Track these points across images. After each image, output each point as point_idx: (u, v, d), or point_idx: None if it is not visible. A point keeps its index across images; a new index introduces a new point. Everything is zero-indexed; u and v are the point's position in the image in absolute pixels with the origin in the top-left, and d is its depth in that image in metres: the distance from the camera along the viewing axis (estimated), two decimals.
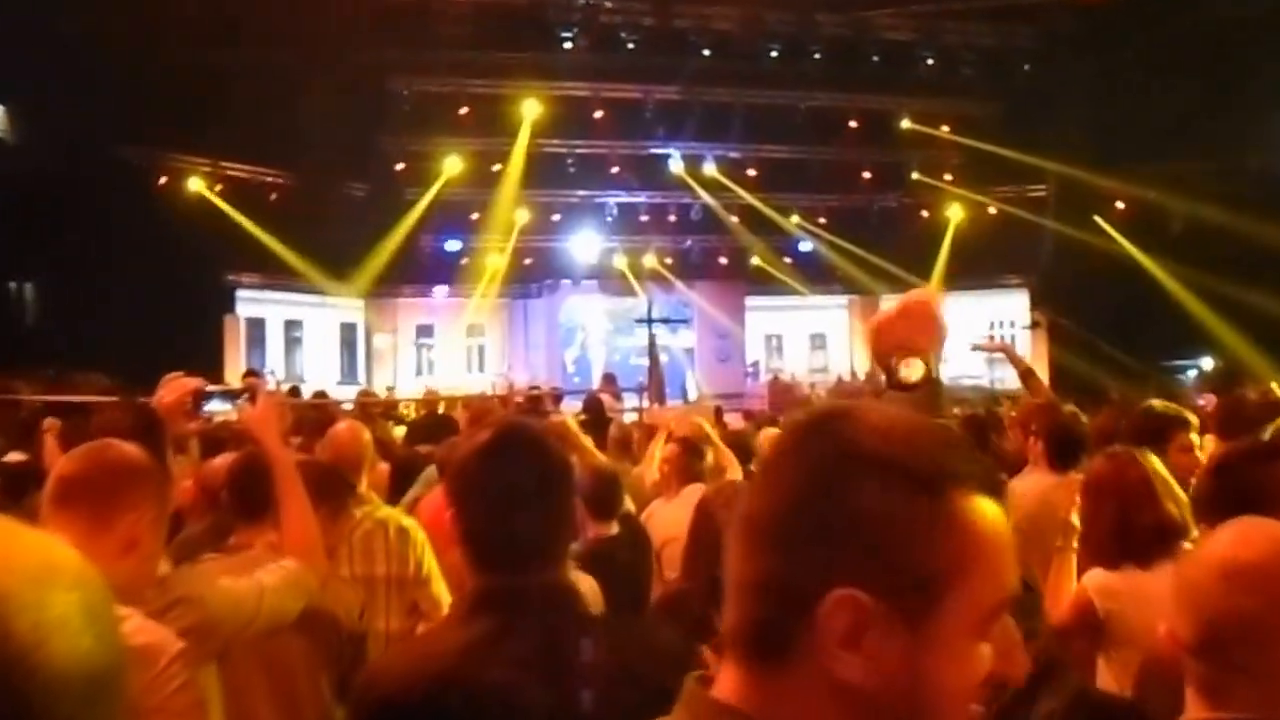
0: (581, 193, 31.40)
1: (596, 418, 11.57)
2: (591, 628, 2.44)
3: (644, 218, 32.59)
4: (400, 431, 11.11)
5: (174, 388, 4.11)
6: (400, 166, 29.89)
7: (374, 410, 15.64)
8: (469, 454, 2.54)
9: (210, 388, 4.21)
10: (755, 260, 33.11)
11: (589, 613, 2.52)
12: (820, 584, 1.22)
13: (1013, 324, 30.92)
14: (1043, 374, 27.78)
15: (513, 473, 2.48)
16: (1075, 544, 4.71)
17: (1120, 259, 26.16)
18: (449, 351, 32.30)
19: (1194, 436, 6.43)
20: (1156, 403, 6.89)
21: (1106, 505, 4.54)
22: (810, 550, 1.23)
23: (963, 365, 33.13)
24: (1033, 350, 28.78)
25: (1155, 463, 4.65)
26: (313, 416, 9.94)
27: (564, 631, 2.38)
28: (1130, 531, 4.46)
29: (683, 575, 3.63)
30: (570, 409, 14.64)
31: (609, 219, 32.20)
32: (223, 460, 5.62)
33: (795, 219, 32.45)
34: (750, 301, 34.29)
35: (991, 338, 28.90)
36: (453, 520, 2.53)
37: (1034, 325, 29.45)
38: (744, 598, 1.29)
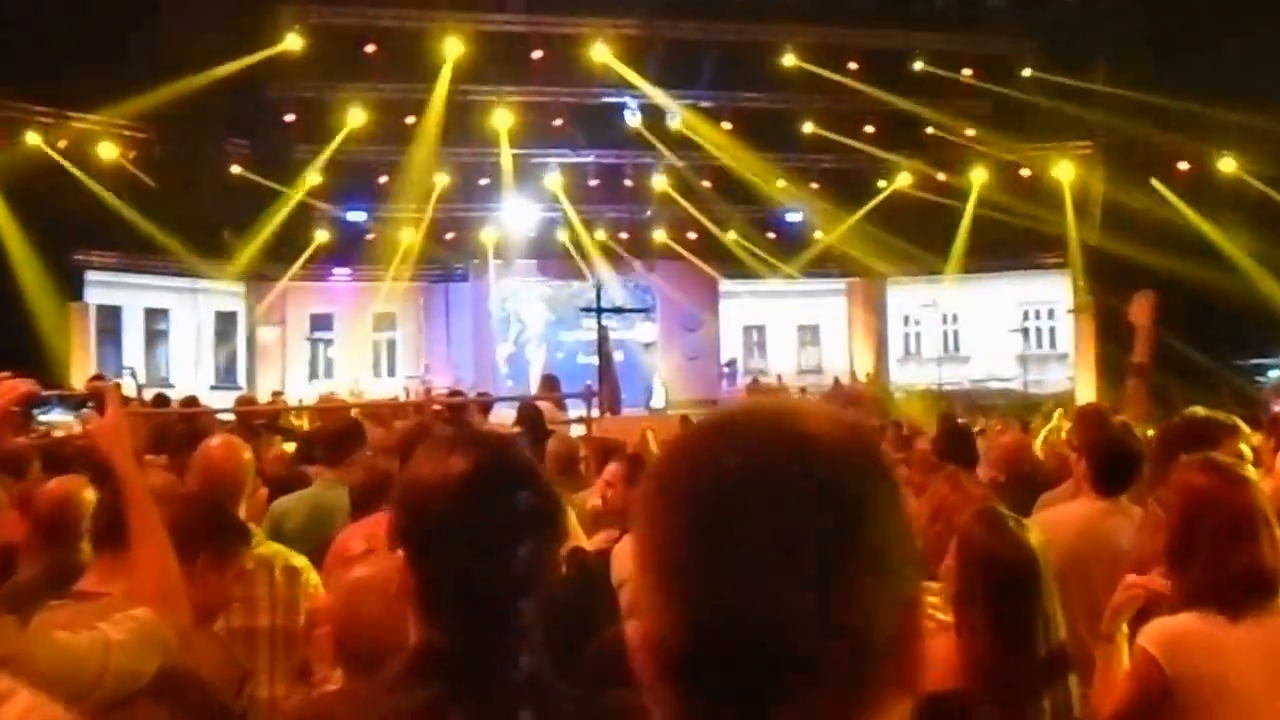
0: (516, 151, 31.20)
1: (534, 431, 11.49)
2: (555, 702, 2.43)
3: (593, 182, 32.56)
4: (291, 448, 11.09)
5: None
6: (291, 118, 29.82)
7: (257, 422, 15.59)
8: (441, 486, 2.47)
9: (45, 392, 4.13)
10: (732, 235, 33.04)
11: (553, 684, 2.49)
12: (918, 590, 1.39)
13: (1050, 313, 31.00)
14: (1086, 373, 28.02)
15: (499, 513, 2.44)
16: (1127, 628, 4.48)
17: (1184, 231, 26.18)
18: (352, 348, 32.23)
19: (1244, 447, 6.44)
20: (1199, 409, 6.94)
21: (1199, 533, 4.32)
22: (909, 560, 1.37)
23: (991, 365, 33.45)
24: (1076, 343, 28.85)
25: (1262, 485, 4.53)
26: (180, 430, 9.92)
27: (518, 707, 2.37)
28: (1225, 572, 4.26)
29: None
30: (502, 420, 14.52)
31: (550, 184, 32.08)
32: (58, 484, 5.59)
33: (781, 184, 32.48)
34: (726, 286, 34.36)
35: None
36: (406, 564, 2.46)
37: (1077, 310, 29.51)
38: (824, 643, 1.29)
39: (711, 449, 1.36)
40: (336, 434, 8.31)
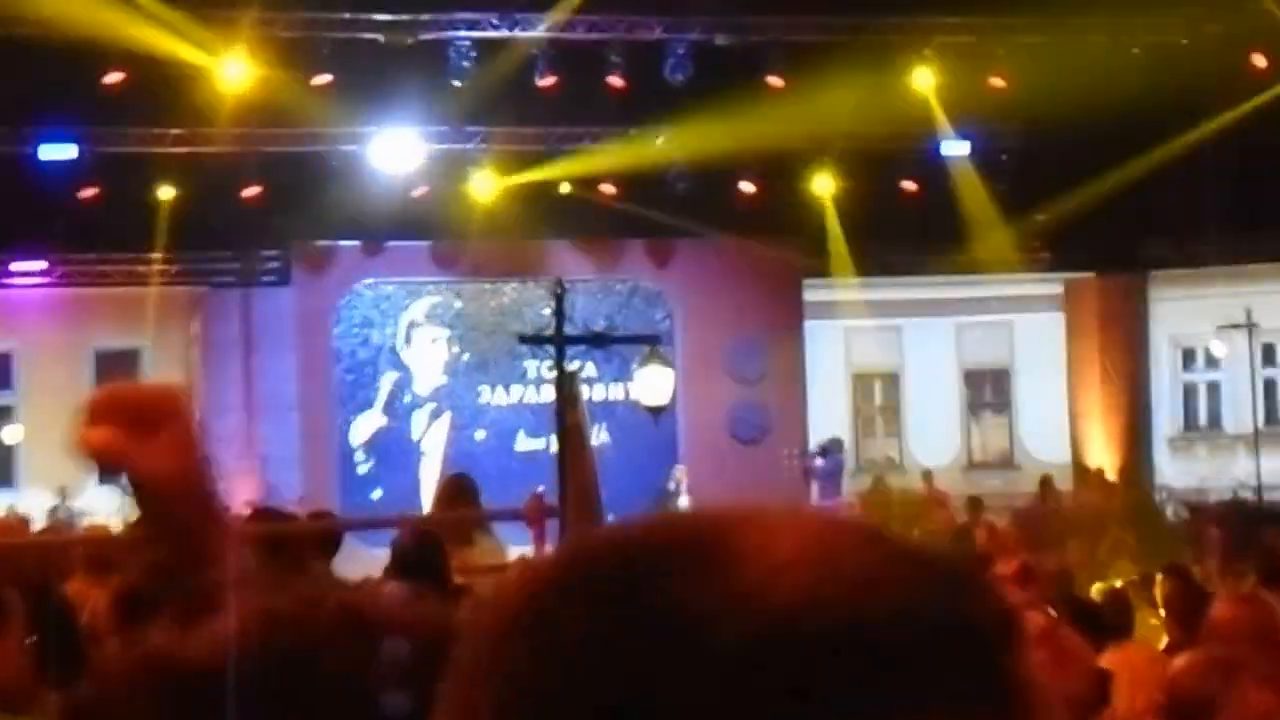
0: (390, 17, 31.10)
1: (431, 582, 12.14)
2: None
3: (546, 80, 32.45)
4: None
5: None
6: None
7: None
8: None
9: None
10: (827, 186, 32.92)
11: None
12: None
13: None
14: None
15: None
16: None
17: None
18: (51, 423, 31.77)
19: None
20: None
21: None
22: None
23: (1220, 453, 33.52)
24: None
25: None
26: None
27: None
28: None
29: None
30: (367, 560, 14.64)
31: (458, 85, 32.10)
32: None
33: (926, 77, 32.12)
34: (815, 291, 34.04)
35: None
36: None
37: None
38: None
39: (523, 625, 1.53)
40: None
